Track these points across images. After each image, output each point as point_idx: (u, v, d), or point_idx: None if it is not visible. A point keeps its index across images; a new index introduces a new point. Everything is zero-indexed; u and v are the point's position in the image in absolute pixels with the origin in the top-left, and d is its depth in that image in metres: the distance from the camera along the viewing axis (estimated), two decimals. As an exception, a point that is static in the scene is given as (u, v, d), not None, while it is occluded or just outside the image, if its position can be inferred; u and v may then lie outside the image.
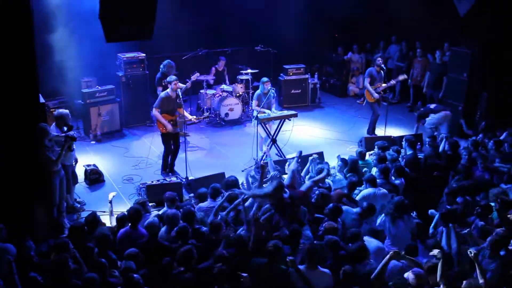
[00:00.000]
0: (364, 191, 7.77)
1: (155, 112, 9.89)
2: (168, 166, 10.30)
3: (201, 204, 7.76)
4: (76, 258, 5.86)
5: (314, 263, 5.70)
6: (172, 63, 11.85)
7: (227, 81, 13.97)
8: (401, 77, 12.31)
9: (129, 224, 6.86)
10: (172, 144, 10.18)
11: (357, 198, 7.74)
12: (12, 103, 6.90)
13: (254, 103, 11.04)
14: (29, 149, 7.21)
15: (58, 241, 6.13)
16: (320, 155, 10.16)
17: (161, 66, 11.76)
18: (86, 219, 6.98)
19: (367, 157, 9.48)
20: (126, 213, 7.07)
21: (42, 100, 7.77)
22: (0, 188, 6.98)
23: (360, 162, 9.01)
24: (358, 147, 10.91)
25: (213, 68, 13.87)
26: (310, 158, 8.85)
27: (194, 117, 10.67)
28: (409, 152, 9.24)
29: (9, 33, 6.72)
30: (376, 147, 9.61)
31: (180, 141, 10.39)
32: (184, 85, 10.98)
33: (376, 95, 11.85)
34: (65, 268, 5.53)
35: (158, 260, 6.04)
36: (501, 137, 9.94)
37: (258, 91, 11.09)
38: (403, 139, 9.65)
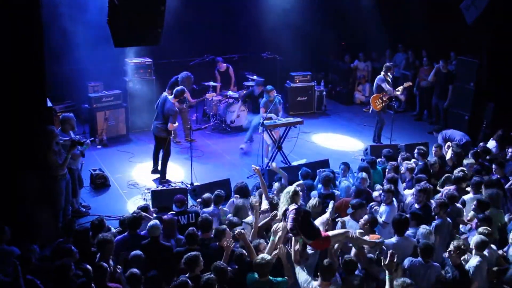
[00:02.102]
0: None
1: (172, 127, 9.88)
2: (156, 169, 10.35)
3: (205, 209, 7.79)
4: (79, 263, 5.87)
5: (328, 279, 5.60)
6: (192, 77, 11.94)
7: (233, 79, 13.95)
8: (406, 84, 12.29)
9: (128, 230, 6.86)
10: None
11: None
12: (20, 107, 6.94)
13: (261, 110, 11.04)
14: (36, 153, 7.24)
15: (62, 247, 6.14)
16: (326, 162, 10.17)
17: (179, 76, 11.81)
18: (92, 223, 6.99)
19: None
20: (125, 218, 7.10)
21: (49, 104, 7.81)
22: (6, 191, 7.01)
23: (371, 171, 8.93)
24: (363, 155, 10.89)
25: (216, 72, 13.88)
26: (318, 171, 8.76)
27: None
28: (420, 162, 9.26)
29: (19, 37, 6.76)
30: (382, 156, 9.61)
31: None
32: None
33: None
34: (67, 273, 5.53)
35: (160, 261, 6.10)
36: None
37: (264, 99, 11.10)
38: (415, 150, 9.61)
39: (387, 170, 8.84)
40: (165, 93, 10.30)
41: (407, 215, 6.77)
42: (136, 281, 5.55)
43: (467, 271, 5.96)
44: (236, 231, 6.19)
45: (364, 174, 8.21)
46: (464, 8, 10.65)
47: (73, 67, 11.93)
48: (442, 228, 6.88)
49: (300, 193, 6.34)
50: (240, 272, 5.90)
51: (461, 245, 5.95)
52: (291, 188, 6.18)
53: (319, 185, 8.37)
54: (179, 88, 10.25)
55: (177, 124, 10.01)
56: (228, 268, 5.80)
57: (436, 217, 7.08)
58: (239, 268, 5.96)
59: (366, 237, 6.26)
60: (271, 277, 5.68)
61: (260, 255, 5.76)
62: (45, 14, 7.70)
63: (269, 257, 5.73)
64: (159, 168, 10.20)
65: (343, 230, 6.29)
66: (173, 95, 10.02)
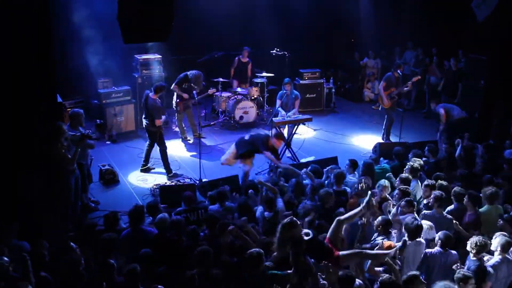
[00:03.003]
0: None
1: (159, 123, 10.07)
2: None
3: (211, 206, 7.77)
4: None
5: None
6: (202, 76, 11.95)
7: (249, 75, 13.97)
8: (414, 78, 12.26)
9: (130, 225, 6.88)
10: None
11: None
12: (30, 102, 6.95)
13: (277, 102, 11.53)
14: (46, 148, 7.27)
15: (68, 245, 6.16)
16: (334, 159, 10.15)
17: (189, 72, 11.80)
18: (107, 216, 7.01)
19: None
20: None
21: (59, 99, 7.83)
22: (15, 187, 7.04)
23: (376, 166, 8.88)
24: (372, 153, 10.86)
25: (236, 59, 13.88)
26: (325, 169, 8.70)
27: None
28: (431, 160, 9.22)
29: (28, 33, 6.77)
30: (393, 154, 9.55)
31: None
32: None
33: (386, 101, 11.79)
34: (77, 268, 5.57)
35: (168, 254, 6.14)
36: None
37: (281, 91, 11.61)
38: (426, 147, 9.57)
39: (404, 169, 8.41)
40: (148, 91, 10.39)
41: (420, 222, 6.50)
42: (134, 277, 5.50)
43: (485, 268, 5.95)
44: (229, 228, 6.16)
45: (386, 182, 7.72)
46: (475, 6, 10.60)
47: (83, 63, 11.97)
48: (432, 220, 6.81)
49: (295, 223, 5.92)
50: (241, 264, 5.86)
51: (478, 241, 5.95)
52: (285, 221, 5.75)
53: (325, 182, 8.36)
54: (158, 84, 10.43)
55: (163, 118, 10.31)
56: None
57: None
58: (239, 260, 5.93)
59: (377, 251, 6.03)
60: (268, 271, 5.61)
61: (251, 250, 5.68)
62: (55, 9, 7.69)
63: (257, 251, 5.63)
64: (163, 165, 10.23)
65: (356, 251, 6.01)
66: (153, 91, 10.13)
